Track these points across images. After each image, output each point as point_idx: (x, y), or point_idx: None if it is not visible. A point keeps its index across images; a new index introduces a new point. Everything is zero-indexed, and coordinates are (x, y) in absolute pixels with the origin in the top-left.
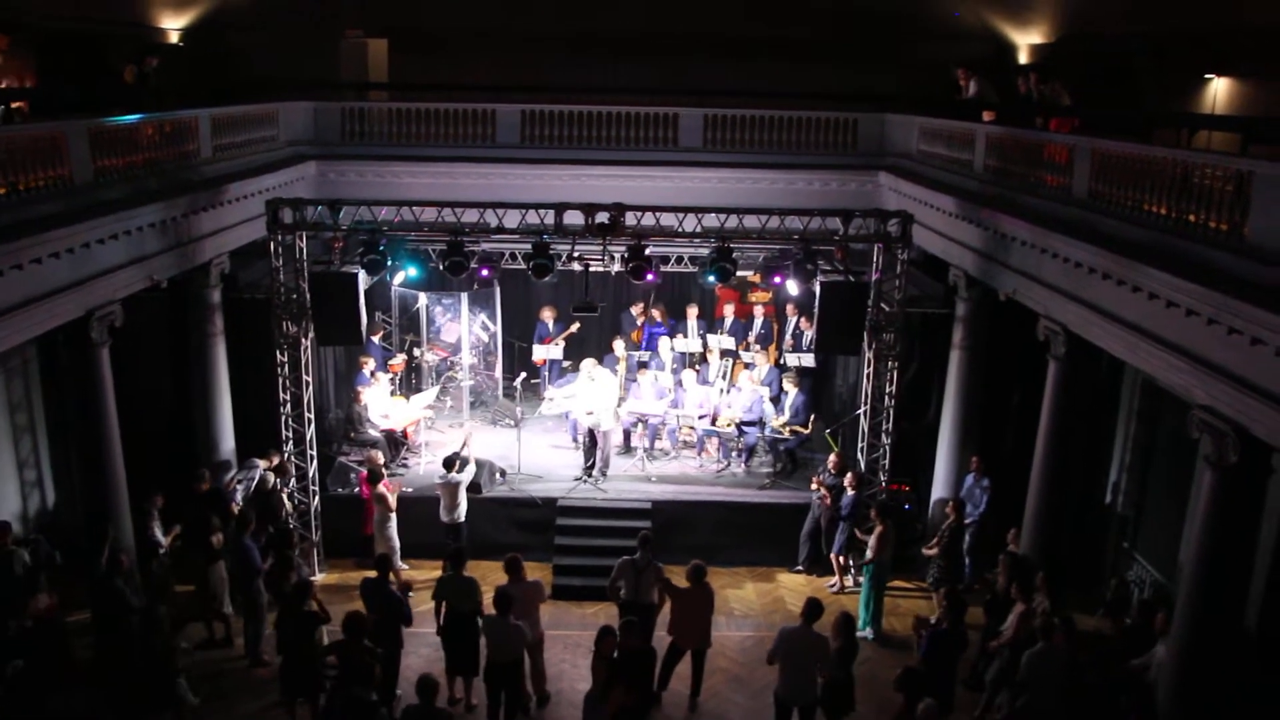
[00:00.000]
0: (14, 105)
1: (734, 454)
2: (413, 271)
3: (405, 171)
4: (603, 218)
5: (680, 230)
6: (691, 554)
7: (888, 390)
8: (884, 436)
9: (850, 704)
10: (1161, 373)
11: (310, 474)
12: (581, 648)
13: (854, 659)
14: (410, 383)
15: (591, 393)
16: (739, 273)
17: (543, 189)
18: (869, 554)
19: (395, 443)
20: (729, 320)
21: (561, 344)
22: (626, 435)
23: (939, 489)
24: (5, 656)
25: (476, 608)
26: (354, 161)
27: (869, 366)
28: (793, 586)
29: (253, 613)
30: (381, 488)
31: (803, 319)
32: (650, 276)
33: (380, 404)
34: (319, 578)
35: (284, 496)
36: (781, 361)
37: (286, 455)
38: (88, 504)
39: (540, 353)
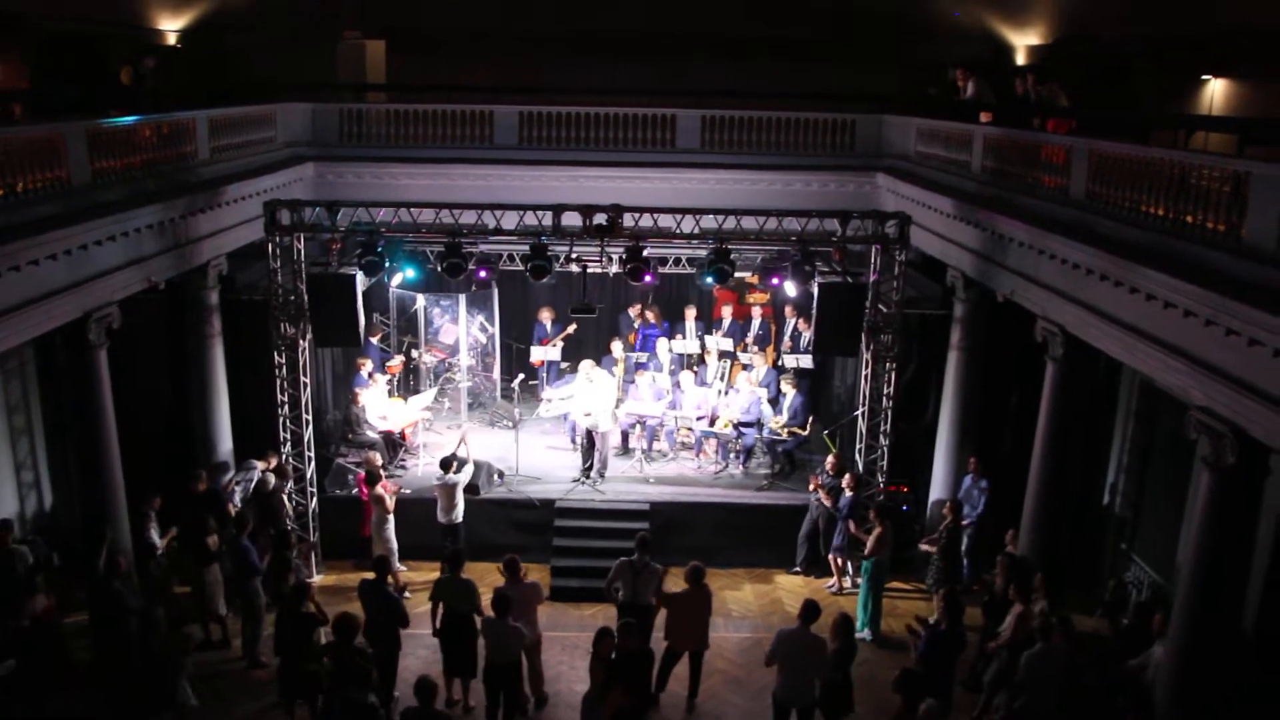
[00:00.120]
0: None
1: (732, 455)
2: (411, 273)
3: (403, 173)
4: (601, 219)
5: (678, 231)
6: (690, 555)
7: (886, 391)
8: (882, 437)
9: (849, 705)
10: (1159, 373)
11: (308, 475)
12: (579, 649)
13: (853, 660)
14: (408, 384)
15: (589, 394)
16: (737, 274)
17: (541, 190)
18: (866, 550)
19: (393, 444)
20: (727, 321)
21: (559, 345)
22: (624, 437)
23: (937, 490)
24: (1, 657)
25: (474, 609)
26: (352, 163)
27: (867, 368)
28: (791, 588)
29: (251, 614)
30: (379, 489)
31: (801, 320)
32: (648, 278)
33: (378, 405)
34: (317, 579)
35: (284, 498)
36: (779, 363)
37: (284, 457)
38: (85, 506)
39: (538, 354)
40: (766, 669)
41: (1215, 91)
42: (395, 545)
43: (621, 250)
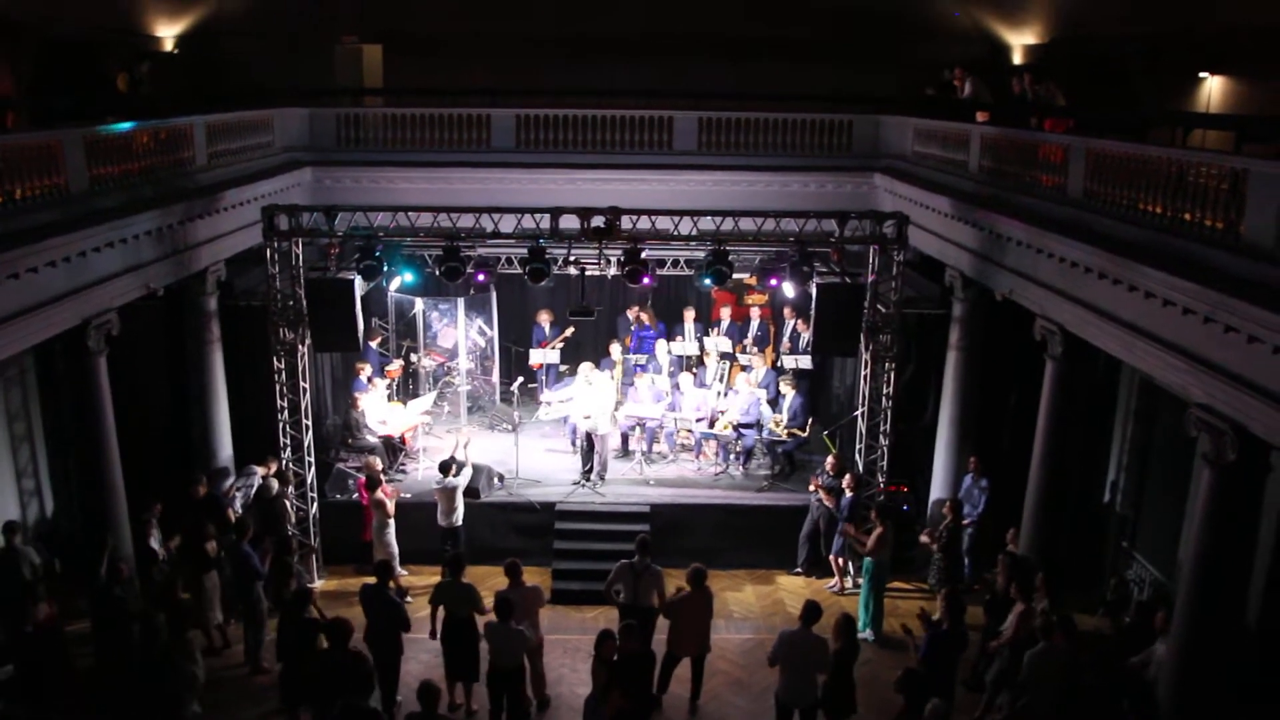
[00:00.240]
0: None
1: (732, 457)
2: (409, 277)
3: (401, 177)
4: (598, 221)
5: (676, 233)
6: (690, 557)
7: (885, 391)
8: (882, 438)
9: (851, 706)
10: (1159, 371)
11: (308, 480)
12: (581, 652)
13: (855, 660)
14: (407, 388)
15: (588, 396)
16: (735, 275)
17: (538, 193)
18: (866, 549)
19: (393, 448)
20: (725, 323)
21: (558, 348)
22: (624, 439)
23: (937, 490)
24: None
25: (477, 609)
26: (350, 167)
27: (866, 368)
28: (792, 589)
29: (253, 619)
30: (380, 494)
31: (799, 321)
32: (646, 280)
33: (378, 410)
34: (318, 584)
35: (287, 504)
36: (779, 364)
37: (284, 462)
38: (86, 512)
39: (537, 357)
40: (768, 670)
41: (1213, 89)
42: (396, 550)
43: (619, 252)
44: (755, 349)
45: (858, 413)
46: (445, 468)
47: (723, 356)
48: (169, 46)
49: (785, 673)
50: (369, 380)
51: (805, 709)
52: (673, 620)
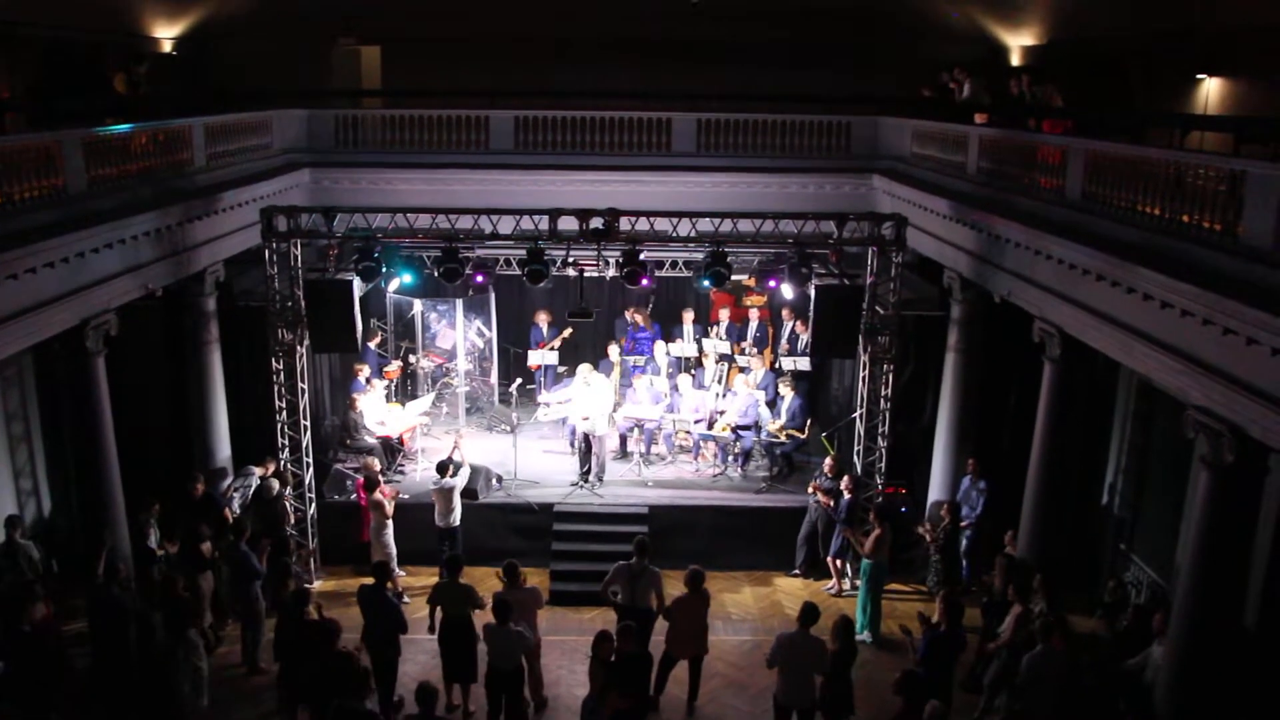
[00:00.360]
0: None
1: (730, 458)
2: (408, 278)
3: (399, 178)
4: (597, 223)
5: (675, 235)
6: (689, 559)
7: (883, 393)
8: (880, 439)
9: (849, 707)
10: (1157, 373)
11: (306, 481)
12: (579, 653)
13: (853, 662)
14: (406, 389)
15: (587, 398)
16: (734, 277)
17: (537, 194)
18: (864, 550)
19: (391, 449)
20: (724, 324)
21: (556, 349)
22: (623, 440)
23: (935, 491)
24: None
25: (475, 606)
26: (348, 169)
27: (864, 370)
28: (790, 590)
29: (251, 619)
30: (378, 494)
31: (798, 322)
32: (645, 281)
33: (376, 411)
34: (316, 585)
35: (286, 504)
36: (777, 365)
37: (283, 462)
38: (84, 512)
39: (535, 358)
40: (767, 672)
41: (1210, 91)
42: (394, 550)
43: (618, 254)
44: (754, 350)
45: (856, 414)
46: (443, 468)
47: (721, 358)
48: (168, 48)
49: (783, 674)
50: (367, 381)
51: (803, 710)
52: (670, 622)
